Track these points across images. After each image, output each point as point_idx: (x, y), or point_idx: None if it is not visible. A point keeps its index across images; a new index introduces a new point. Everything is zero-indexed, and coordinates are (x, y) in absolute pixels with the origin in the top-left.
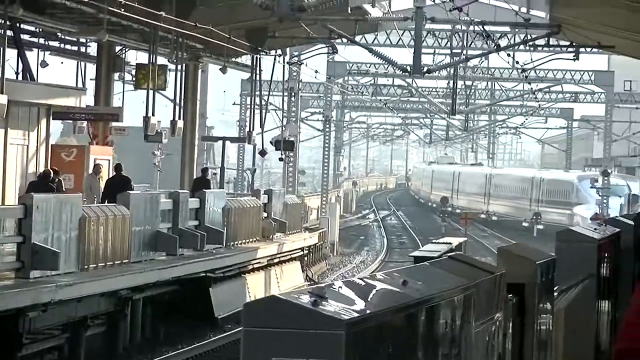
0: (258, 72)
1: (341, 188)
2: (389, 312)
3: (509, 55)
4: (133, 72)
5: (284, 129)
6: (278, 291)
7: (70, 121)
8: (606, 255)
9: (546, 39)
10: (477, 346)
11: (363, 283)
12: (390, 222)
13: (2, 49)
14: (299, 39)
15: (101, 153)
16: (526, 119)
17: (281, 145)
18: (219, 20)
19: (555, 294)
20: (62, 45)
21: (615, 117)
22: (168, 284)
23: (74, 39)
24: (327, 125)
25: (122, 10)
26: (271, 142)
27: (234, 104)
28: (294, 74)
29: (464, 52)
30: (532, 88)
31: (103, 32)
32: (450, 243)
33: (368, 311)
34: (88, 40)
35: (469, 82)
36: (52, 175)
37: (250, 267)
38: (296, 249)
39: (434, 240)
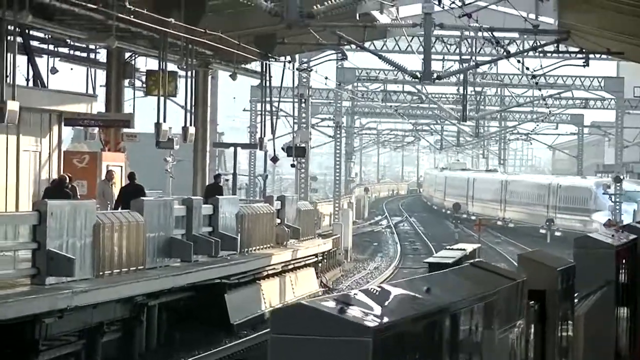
0: (268, 78)
1: (353, 194)
2: (414, 320)
3: (518, 61)
4: (143, 78)
5: (295, 135)
6: (293, 297)
7: (81, 127)
8: (624, 261)
9: (555, 45)
10: (501, 352)
11: (387, 290)
12: (403, 229)
13: (12, 55)
14: (308, 46)
15: (113, 159)
16: (537, 125)
17: (293, 152)
18: (228, 26)
19: (575, 300)
20: (71, 52)
21: (626, 123)
22: (183, 290)
23: (84, 46)
24: (338, 132)
25: (131, 16)
26: (283, 149)
27: (244, 110)
28: (304, 80)
29: (473, 58)
30: (542, 94)
31: (112, 39)
32: (464, 249)
33: (394, 318)
34: (97, 47)
35: (478, 89)
36: (67, 181)
37: (265, 273)
38: (310, 255)
39: (448, 247)
